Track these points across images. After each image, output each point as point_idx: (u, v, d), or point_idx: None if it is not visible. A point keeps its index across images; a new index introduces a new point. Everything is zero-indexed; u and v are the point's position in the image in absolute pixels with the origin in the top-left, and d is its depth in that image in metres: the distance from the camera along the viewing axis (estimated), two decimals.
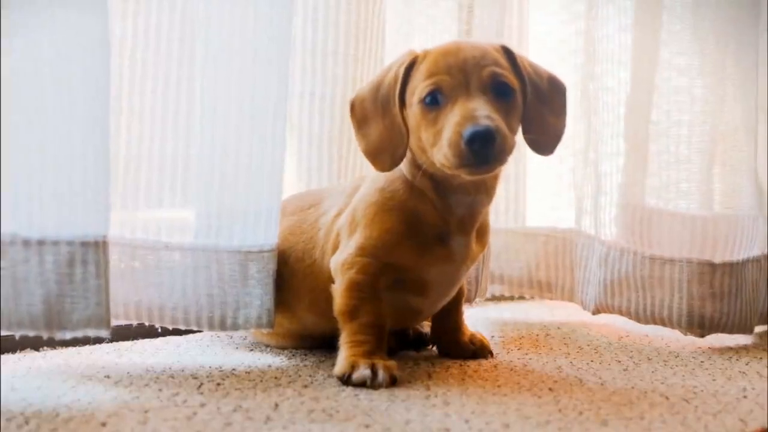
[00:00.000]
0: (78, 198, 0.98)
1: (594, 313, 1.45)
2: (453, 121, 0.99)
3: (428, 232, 1.09)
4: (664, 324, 1.39)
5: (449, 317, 1.22)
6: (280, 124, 1.14)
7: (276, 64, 1.12)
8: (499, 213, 1.56)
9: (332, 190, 1.22)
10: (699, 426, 0.90)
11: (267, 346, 1.26)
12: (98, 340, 1.23)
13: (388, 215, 1.09)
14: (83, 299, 0.97)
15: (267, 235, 1.14)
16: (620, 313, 1.42)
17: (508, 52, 1.08)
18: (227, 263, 1.13)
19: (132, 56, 1.12)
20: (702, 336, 1.37)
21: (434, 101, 1.03)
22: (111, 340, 1.25)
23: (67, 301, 0.97)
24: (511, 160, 1.51)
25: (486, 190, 1.10)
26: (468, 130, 0.96)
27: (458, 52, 1.04)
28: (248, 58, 1.11)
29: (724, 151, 1.43)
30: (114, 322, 1.19)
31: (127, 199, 1.13)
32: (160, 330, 1.21)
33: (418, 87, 1.04)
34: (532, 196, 1.62)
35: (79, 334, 0.98)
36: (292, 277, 1.16)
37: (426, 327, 1.28)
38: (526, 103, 1.08)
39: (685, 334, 1.38)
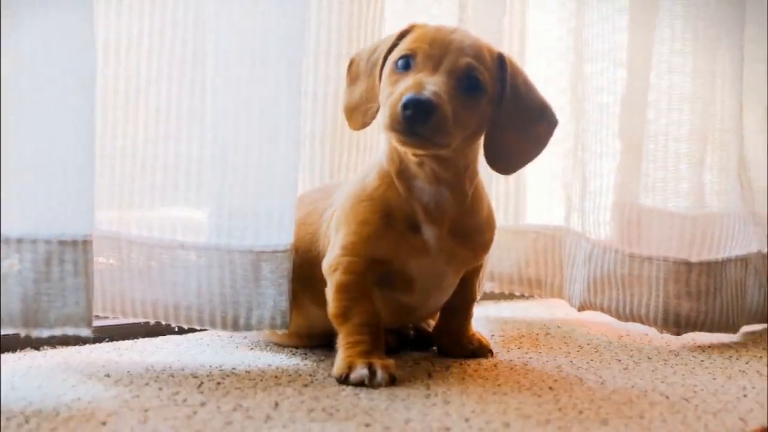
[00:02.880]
0: (58, 197, 0.98)
1: (579, 310, 1.46)
2: (403, 86, 1.00)
3: (400, 221, 1.09)
4: (641, 322, 1.39)
5: (454, 317, 1.21)
6: (292, 123, 1.14)
7: (287, 62, 1.13)
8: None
9: (342, 184, 1.22)
10: (699, 425, 0.90)
11: (268, 344, 1.26)
12: (98, 339, 1.23)
13: (363, 207, 1.09)
14: (60, 297, 0.97)
15: (280, 236, 1.14)
16: (602, 310, 1.43)
17: (501, 60, 1.08)
18: (239, 263, 1.13)
19: (148, 57, 1.13)
20: (678, 334, 1.38)
21: (405, 66, 1.04)
22: (111, 339, 1.25)
23: (43, 299, 0.97)
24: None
25: (447, 184, 1.09)
26: (407, 96, 0.97)
27: (449, 32, 1.05)
28: (259, 58, 1.11)
29: (711, 151, 1.43)
30: (130, 320, 1.21)
31: (144, 198, 1.14)
32: (176, 328, 1.21)
33: (397, 49, 1.06)
34: (530, 194, 1.62)
35: (57, 332, 0.98)
36: (301, 266, 1.16)
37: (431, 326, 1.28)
38: (501, 115, 1.07)
39: (661, 332, 1.39)
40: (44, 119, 0.97)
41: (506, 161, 1.12)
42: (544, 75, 1.57)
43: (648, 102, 1.42)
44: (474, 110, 1.04)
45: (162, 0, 1.13)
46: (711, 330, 1.38)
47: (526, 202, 1.61)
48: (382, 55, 1.09)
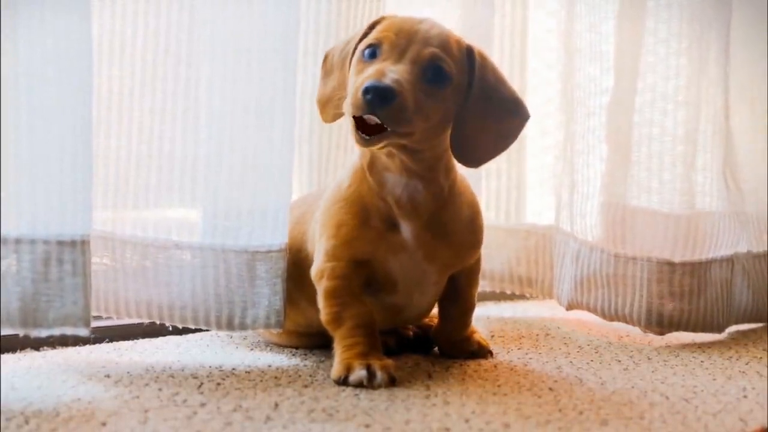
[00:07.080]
0: (56, 197, 0.98)
1: (567, 309, 1.47)
2: (366, 74, 1.00)
3: (376, 218, 1.08)
4: (626, 321, 1.40)
5: (454, 319, 1.21)
6: (288, 122, 1.14)
7: (282, 62, 1.13)
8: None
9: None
10: (699, 426, 0.90)
11: (269, 344, 1.26)
12: (98, 340, 1.23)
13: (338, 208, 1.10)
14: (59, 298, 0.98)
15: (275, 235, 1.14)
16: (588, 309, 1.44)
17: (469, 52, 1.07)
18: (234, 263, 1.13)
19: (143, 57, 1.13)
20: (661, 334, 1.38)
21: (372, 55, 1.04)
22: (111, 340, 1.25)
23: (42, 299, 0.97)
24: (509, 156, 1.54)
25: (419, 177, 1.08)
26: (368, 82, 0.97)
27: (417, 22, 1.05)
28: (254, 57, 1.12)
29: (697, 152, 1.44)
30: (125, 321, 1.21)
31: (138, 198, 1.14)
32: (170, 328, 1.21)
33: (365, 39, 1.06)
34: (528, 194, 1.62)
35: (56, 332, 0.98)
36: (295, 266, 1.16)
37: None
38: (468, 107, 1.06)
39: (645, 332, 1.40)
40: (42, 119, 0.97)
41: (470, 153, 1.09)
42: (545, 77, 1.58)
43: (635, 104, 1.42)
44: (438, 100, 1.03)
45: (156, 0, 1.13)
46: (695, 330, 1.39)
47: (525, 201, 1.61)
48: (353, 47, 1.09)
